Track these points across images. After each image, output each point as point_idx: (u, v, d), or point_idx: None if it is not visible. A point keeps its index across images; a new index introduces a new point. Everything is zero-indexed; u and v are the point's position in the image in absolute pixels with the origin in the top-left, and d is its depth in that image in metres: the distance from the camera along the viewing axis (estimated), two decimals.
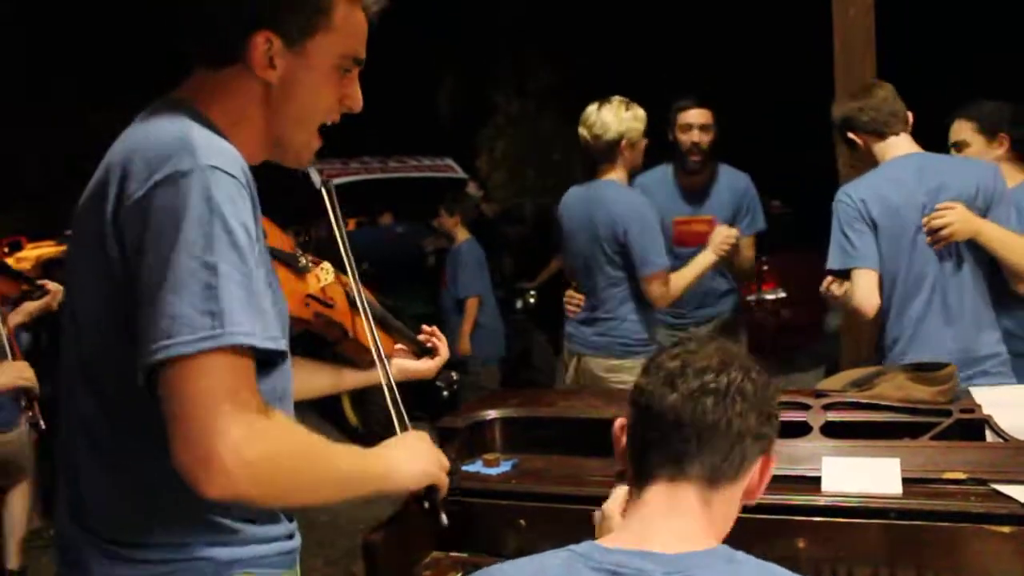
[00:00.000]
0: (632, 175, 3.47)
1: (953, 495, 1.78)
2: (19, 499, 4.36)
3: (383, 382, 1.65)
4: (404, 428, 1.58)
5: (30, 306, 3.66)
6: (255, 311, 1.15)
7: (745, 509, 1.23)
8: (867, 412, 2.06)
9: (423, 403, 6.27)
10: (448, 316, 5.60)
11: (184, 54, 1.35)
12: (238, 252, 1.15)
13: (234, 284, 1.14)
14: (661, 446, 1.17)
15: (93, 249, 1.22)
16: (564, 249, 3.60)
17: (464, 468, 2.20)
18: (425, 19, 11.74)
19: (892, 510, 1.76)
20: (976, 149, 2.88)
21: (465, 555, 2.05)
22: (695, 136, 3.60)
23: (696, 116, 3.61)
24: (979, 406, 2.00)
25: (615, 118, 3.27)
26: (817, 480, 1.87)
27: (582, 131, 3.34)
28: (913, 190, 2.71)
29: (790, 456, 1.93)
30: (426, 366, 2.00)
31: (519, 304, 7.07)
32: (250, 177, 1.26)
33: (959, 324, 2.68)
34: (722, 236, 3.40)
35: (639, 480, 1.20)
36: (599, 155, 3.34)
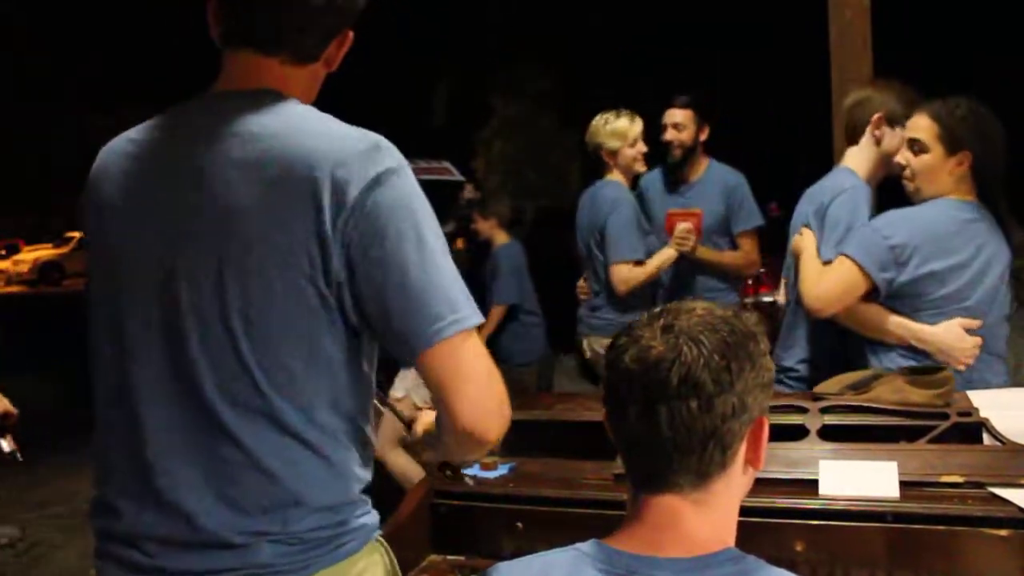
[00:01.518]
0: (637, 177, 3.99)
1: (950, 498, 1.78)
2: None
3: None
4: None
5: None
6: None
7: (742, 512, 1.20)
8: (864, 415, 2.06)
9: None
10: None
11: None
12: (445, 240, 1.34)
13: (456, 269, 1.33)
14: (634, 465, 1.15)
15: (292, 255, 1.27)
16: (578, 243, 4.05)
17: (462, 471, 2.20)
18: (421, 22, 11.74)
19: (889, 513, 1.76)
20: (933, 159, 2.41)
21: (462, 558, 2.05)
22: (668, 135, 3.92)
23: (668, 116, 3.93)
24: (976, 409, 2.01)
25: (594, 132, 3.85)
26: (814, 483, 1.87)
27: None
28: (803, 202, 2.87)
29: (787, 459, 1.93)
30: None
31: None
32: None
33: (783, 337, 2.92)
34: (678, 231, 3.75)
35: (632, 488, 1.17)
36: (594, 161, 3.91)
